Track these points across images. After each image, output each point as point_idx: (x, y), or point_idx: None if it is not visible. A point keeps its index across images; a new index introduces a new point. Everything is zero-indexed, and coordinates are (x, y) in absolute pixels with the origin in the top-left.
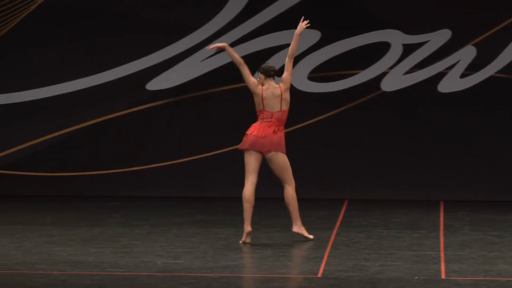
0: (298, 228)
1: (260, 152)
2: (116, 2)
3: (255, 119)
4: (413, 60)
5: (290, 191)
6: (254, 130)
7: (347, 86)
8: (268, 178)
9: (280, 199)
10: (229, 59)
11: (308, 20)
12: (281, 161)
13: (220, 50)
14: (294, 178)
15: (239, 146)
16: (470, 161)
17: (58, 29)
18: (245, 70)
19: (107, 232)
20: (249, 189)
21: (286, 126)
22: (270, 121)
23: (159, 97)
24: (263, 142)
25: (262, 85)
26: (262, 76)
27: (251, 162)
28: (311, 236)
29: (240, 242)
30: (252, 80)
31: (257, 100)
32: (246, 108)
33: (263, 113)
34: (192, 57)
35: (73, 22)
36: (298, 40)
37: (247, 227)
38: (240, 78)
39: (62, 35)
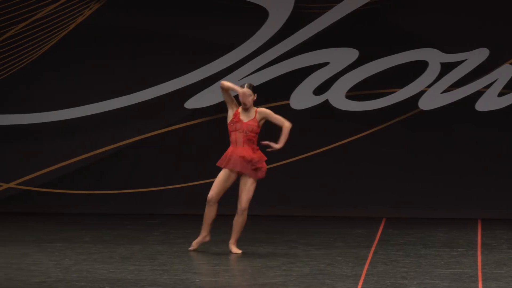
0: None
1: None
2: (154, 21)
3: (292, 136)
4: (451, 78)
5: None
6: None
7: (385, 104)
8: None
9: (322, 218)
10: (267, 77)
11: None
12: None
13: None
14: (332, 196)
15: (263, 175)
16: (508, 179)
17: (96, 48)
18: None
19: (146, 249)
20: None
21: (324, 144)
22: None
23: (197, 115)
24: None
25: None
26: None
27: None
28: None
29: None
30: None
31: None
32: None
33: None
34: (230, 75)
35: (111, 41)
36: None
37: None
38: (277, 96)
39: (100, 54)
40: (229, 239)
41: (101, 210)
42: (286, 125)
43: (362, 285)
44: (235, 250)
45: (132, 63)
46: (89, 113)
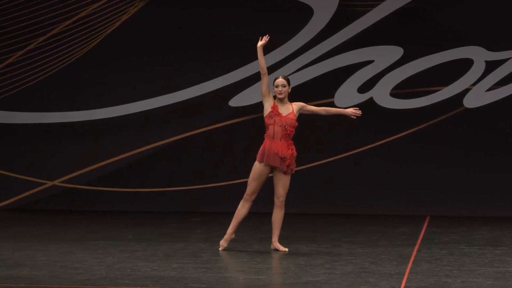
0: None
1: None
2: (198, 20)
3: (336, 134)
4: (496, 76)
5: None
6: None
7: (430, 102)
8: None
9: (366, 216)
10: (312, 75)
11: (267, 36)
12: None
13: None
14: (376, 194)
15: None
16: None
17: (140, 46)
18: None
19: (189, 247)
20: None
21: (368, 143)
22: None
23: (242, 113)
24: None
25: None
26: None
27: None
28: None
29: None
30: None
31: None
32: (333, 122)
33: None
34: (274, 73)
35: (155, 39)
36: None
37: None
38: (321, 94)
39: (143, 52)
40: (270, 236)
41: (145, 208)
42: (325, 107)
43: (406, 283)
44: (282, 248)
45: (176, 61)
46: (134, 111)
